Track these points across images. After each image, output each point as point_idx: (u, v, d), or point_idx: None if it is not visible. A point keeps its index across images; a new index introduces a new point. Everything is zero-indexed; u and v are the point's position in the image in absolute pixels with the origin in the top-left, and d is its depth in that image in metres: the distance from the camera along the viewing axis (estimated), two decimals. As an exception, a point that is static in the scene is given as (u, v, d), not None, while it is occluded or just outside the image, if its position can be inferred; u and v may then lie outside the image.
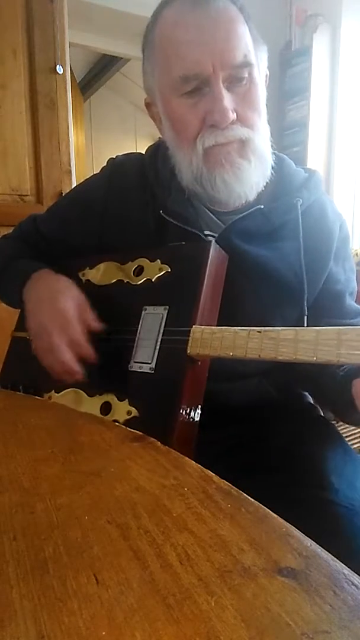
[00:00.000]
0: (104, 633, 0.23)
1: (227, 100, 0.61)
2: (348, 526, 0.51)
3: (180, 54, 0.61)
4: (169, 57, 0.62)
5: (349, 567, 0.27)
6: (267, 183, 0.73)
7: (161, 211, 0.70)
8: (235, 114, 0.62)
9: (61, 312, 0.62)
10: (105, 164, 0.82)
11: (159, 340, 0.59)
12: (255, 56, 0.64)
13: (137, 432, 0.48)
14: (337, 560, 0.28)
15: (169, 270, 0.63)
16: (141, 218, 0.73)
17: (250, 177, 0.66)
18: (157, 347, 0.59)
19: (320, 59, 2.63)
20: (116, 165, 0.80)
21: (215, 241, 0.63)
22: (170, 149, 0.70)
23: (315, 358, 0.45)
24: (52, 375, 0.63)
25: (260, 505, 0.33)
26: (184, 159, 0.67)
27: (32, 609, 0.24)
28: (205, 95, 0.62)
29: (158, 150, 0.76)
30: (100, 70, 4.40)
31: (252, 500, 0.34)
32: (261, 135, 0.66)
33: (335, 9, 2.63)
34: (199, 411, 0.56)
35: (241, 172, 0.65)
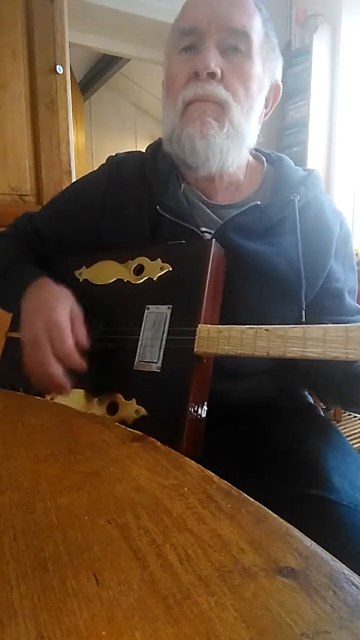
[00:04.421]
0: (104, 633, 0.23)
1: (215, 56, 0.64)
2: (349, 526, 0.51)
3: (186, 12, 0.67)
4: (177, 18, 0.68)
5: (350, 567, 0.27)
6: (265, 180, 0.73)
7: (158, 207, 0.71)
8: (220, 73, 0.64)
9: (56, 324, 0.61)
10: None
11: (164, 339, 0.59)
12: (261, 47, 0.67)
13: (137, 432, 0.48)
14: (337, 560, 0.28)
15: (171, 269, 0.63)
16: (138, 215, 0.73)
17: (218, 143, 0.66)
18: (162, 346, 0.59)
19: (320, 59, 2.63)
20: (115, 163, 0.80)
21: (213, 237, 0.63)
22: (163, 115, 0.72)
23: (324, 355, 0.46)
24: (36, 386, 0.62)
25: (260, 505, 0.33)
26: (167, 117, 0.69)
27: (32, 609, 0.24)
28: (199, 53, 0.65)
29: (158, 148, 0.76)
30: (100, 70, 4.40)
31: (252, 500, 0.34)
32: (243, 111, 0.67)
33: (335, 9, 2.63)
34: (205, 408, 0.57)
35: (208, 130, 0.65)
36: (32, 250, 0.83)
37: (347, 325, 0.46)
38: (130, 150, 0.84)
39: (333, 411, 2.46)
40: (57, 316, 0.61)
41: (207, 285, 0.59)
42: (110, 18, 2.44)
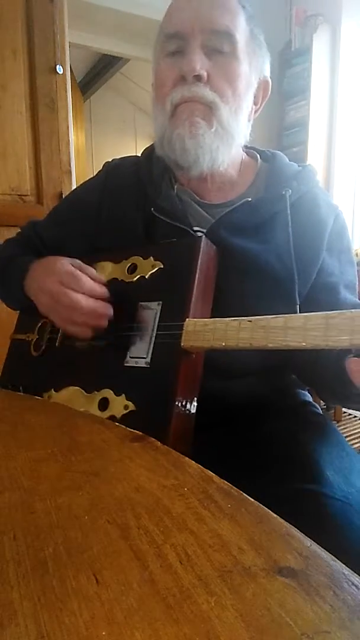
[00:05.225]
0: (104, 633, 0.23)
1: (200, 58, 0.65)
2: (342, 519, 0.51)
3: (170, 15, 0.67)
4: (163, 22, 0.68)
5: (342, 561, 0.27)
6: (258, 176, 0.74)
7: (152, 209, 0.71)
8: (206, 76, 0.65)
9: (65, 272, 0.62)
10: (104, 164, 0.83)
11: (154, 335, 0.60)
12: (247, 45, 0.67)
13: (137, 432, 0.48)
14: (337, 561, 0.28)
15: (162, 266, 0.64)
16: (133, 217, 0.74)
17: (207, 142, 0.67)
18: (152, 341, 0.60)
19: (320, 59, 2.63)
20: (111, 168, 0.82)
21: (205, 236, 0.64)
22: (153, 118, 0.73)
23: (304, 343, 0.46)
24: (83, 335, 0.63)
25: (260, 505, 0.33)
26: (157, 120, 0.70)
27: (32, 609, 0.24)
28: (184, 57, 0.65)
29: (153, 151, 0.77)
30: (100, 70, 4.40)
31: (252, 500, 0.34)
32: (231, 111, 0.67)
33: (335, 9, 2.63)
34: (195, 404, 0.57)
35: (197, 130, 0.66)
36: (35, 253, 0.84)
37: (328, 312, 0.46)
38: (130, 151, 0.84)
39: (333, 411, 2.46)
40: (63, 267, 0.63)
41: (195, 280, 0.59)
42: (110, 18, 2.44)
